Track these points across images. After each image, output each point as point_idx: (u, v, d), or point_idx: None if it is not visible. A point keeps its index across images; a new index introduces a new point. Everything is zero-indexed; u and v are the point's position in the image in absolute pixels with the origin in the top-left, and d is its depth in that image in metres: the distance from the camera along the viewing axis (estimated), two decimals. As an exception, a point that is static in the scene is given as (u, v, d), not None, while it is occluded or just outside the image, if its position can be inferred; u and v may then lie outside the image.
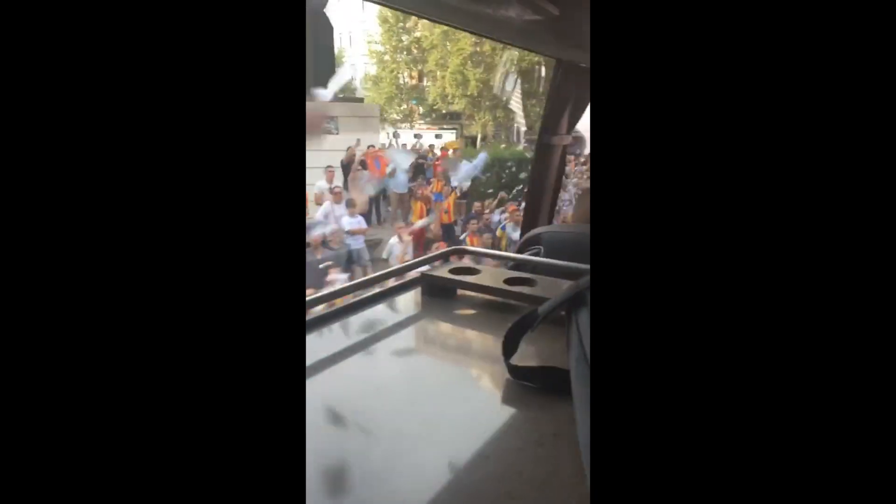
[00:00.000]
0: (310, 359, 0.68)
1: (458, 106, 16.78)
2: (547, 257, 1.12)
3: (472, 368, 0.71)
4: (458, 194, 8.32)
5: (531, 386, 0.62)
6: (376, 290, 0.94)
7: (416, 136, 15.93)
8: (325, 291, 0.86)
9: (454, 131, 18.09)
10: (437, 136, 16.21)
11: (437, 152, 11.62)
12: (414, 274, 0.99)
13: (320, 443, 0.50)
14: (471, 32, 1.30)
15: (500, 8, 1.00)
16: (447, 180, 8.48)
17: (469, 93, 15.99)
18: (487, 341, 0.76)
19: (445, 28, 16.20)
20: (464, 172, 8.74)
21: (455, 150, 11.13)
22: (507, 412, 0.59)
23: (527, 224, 1.89)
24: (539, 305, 0.64)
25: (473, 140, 18.06)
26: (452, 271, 0.93)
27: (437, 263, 1.05)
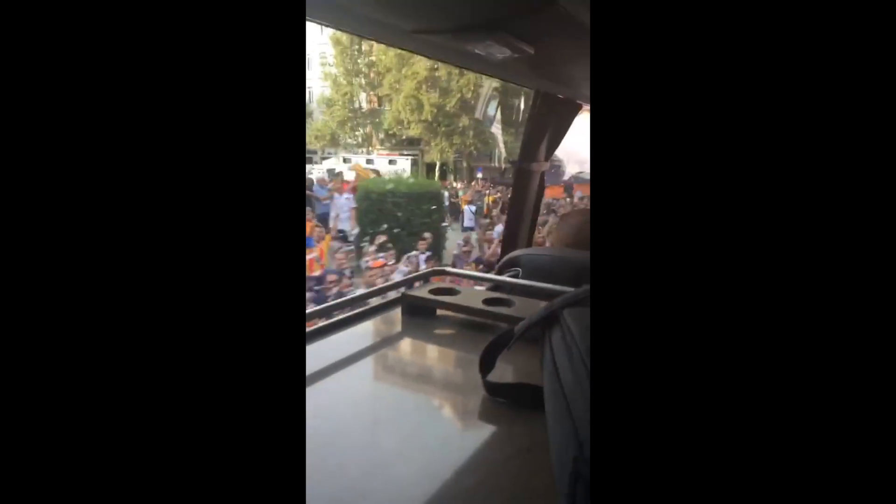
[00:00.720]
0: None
1: (414, 131, 16.78)
2: (525, 279, 1.15)
3: (445, 390, 0.73)
4: (332, 236, 7.07)
5: (504, 402, 0.64)
6: (357, 309, 0.96)
7: (367, 161, 15.81)
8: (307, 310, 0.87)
9: (413, 157, 17.95)
10: (391, 163, 16.03)
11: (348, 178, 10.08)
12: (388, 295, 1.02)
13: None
14: (453, 65, 1.37)
15: (479, 46, 1.06)
16: (322, 220, 7.34)
17: (423, 118, 16.05)
18: (465, 360, 0.78)
19: (400, 52, 16.40)
20: (341, 209, 7.61)
21: (351, 180, 9.51)
22: (484, 429, 0.60)
23: (506, 246, 1.96)
24: (515, 325, 0.67)
25: (432, 167, 18.08)
26: (432, 291, 0.96)
27: (418, 284, 1.08)
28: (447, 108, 15.77)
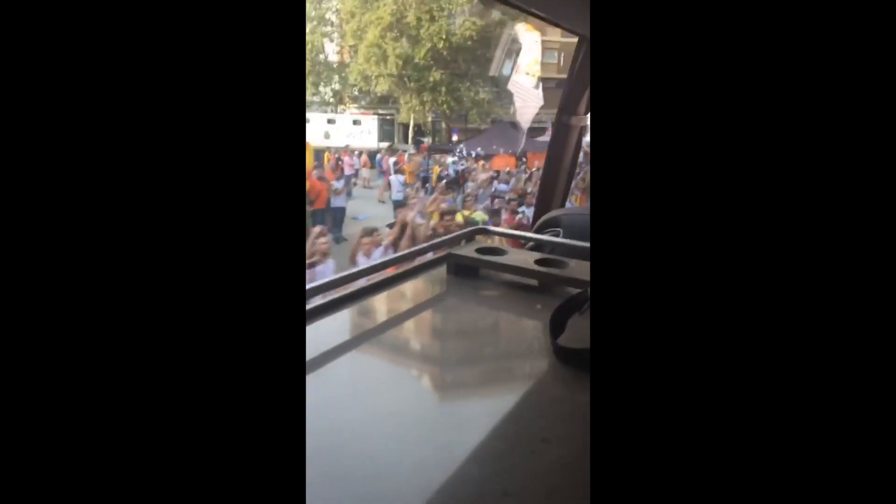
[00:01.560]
0: (340, 337, 0.73)
1: (381, 87, 15.39)
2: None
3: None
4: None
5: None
6: (401, 269, 0.95)
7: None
8: (351, 270, 0.88)
9: (387, 117, 16.57)
10: (355, 123, 14.78)
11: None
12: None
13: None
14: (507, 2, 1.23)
15: None
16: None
17: (388, 70, 14.66)
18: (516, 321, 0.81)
19: None
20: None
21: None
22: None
23: (540, 206, 1.89)
24: (569, 287, 0.68)
25: (406, 128, 16.76)
26: (479, 251, 0.95)
27: (462, 243, 1.07)
28: (417, 61, 14.74)
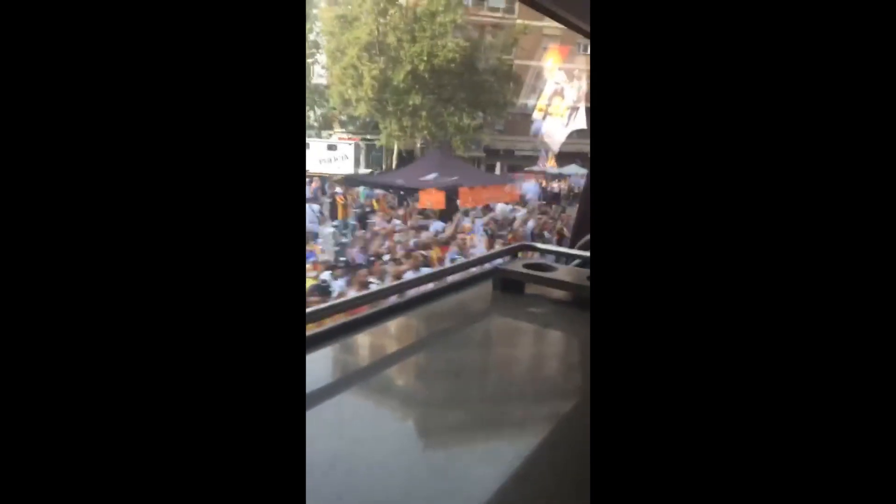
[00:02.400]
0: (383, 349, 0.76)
1: (359, 110, 14.59)
2: None
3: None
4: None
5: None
6: (446, 282, 0.96)
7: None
8: (394, 282, 0.90)
9: (372, 142, 15.66)
10: (331, 148, 13.87)
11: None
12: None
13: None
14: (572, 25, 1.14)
15: None
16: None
17: (364, 93, 13.89)
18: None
19: (343, 12, 14.33)
20: None
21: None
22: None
23: (580, 226, 1.83)
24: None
25: (403, 154, 15.41)
26: (526, 267, 0.94)
27: (507, 258, 1.08)
28: (396, 83, 14.07)
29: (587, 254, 1.13)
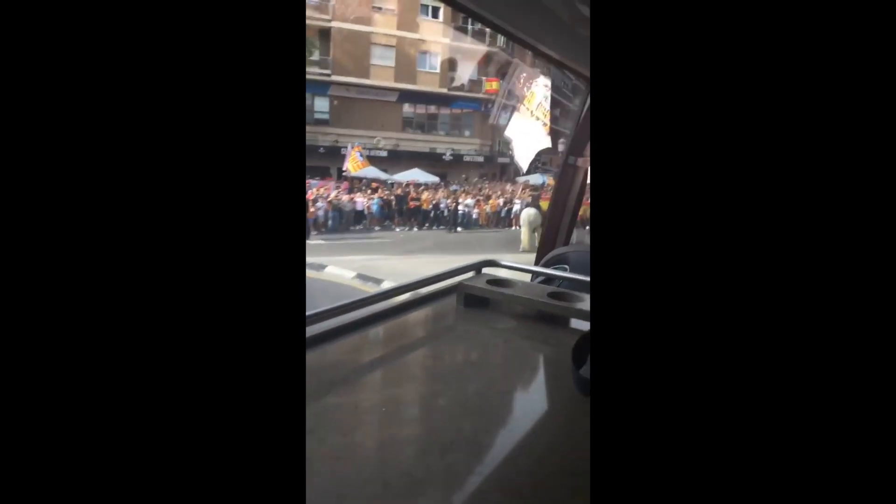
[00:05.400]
0: (350, 362, 0.75)
1: None
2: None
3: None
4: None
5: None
6: (409, 296, 0.99)
7: None
8: (357, 297, 0.89)
9: None
10: None
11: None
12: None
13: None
14: (519, 40, 1.28)
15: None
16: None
17: None
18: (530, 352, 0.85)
19: None
20: None
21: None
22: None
23: (547, 242, 2.02)
24: (586, 320, 0.73)
25: None
26: (490, 283, 1.01)
27: (471, 274, 1.12)
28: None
29: (550, 271, 1.26)
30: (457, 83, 18.03)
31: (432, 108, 18.60)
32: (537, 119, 4.39)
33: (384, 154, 17.15)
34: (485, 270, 1.15)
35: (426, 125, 18.77)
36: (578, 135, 1.95)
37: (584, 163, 2.00)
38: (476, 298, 0.98)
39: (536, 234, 10.62)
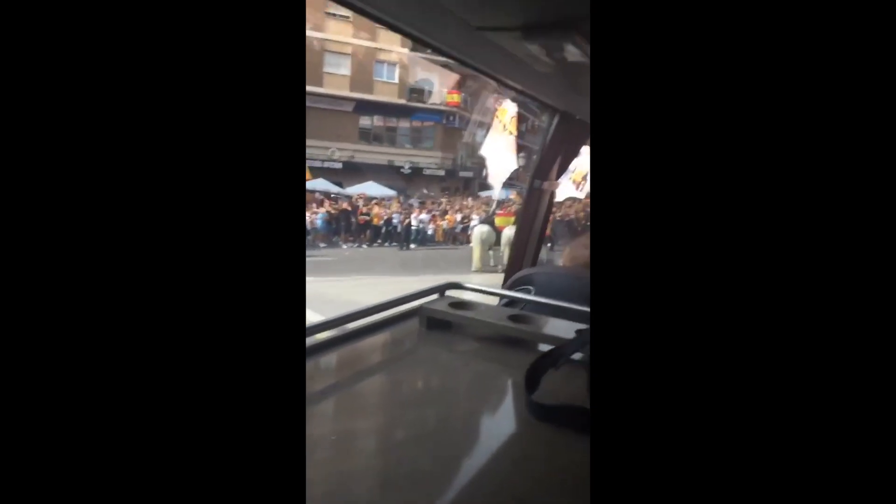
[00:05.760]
0: (312, 386, 0.74)
1: None
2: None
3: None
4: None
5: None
6: (371, 320, 0.99)
7: None
8: (321, 320, 0.89)
9: None
10: None
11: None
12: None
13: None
14: (482, 72, 1.31)
15: (548, 45, 1.06)
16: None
17: None
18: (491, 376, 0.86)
19: None
20: None
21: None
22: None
23: (513, 265, 2.04)
24: (546, 343, 0.75)
25: None
26: (452, 306, 1.02)
27: (434, 297, 1.12)
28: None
29: (514, 293, 1.25)
30: (417, 93, 17.98)
31: (392, 121, 18.49)
32: (511, 133, 4.43)
33: (338, 166, 16.83)
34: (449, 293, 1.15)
35: (384, 137, 18.58)
36: (545, 159, 1.98)
37: (550, 186, 2.04)
38: (438, 322, 0.99)
39: (491, 252, 10.63)
